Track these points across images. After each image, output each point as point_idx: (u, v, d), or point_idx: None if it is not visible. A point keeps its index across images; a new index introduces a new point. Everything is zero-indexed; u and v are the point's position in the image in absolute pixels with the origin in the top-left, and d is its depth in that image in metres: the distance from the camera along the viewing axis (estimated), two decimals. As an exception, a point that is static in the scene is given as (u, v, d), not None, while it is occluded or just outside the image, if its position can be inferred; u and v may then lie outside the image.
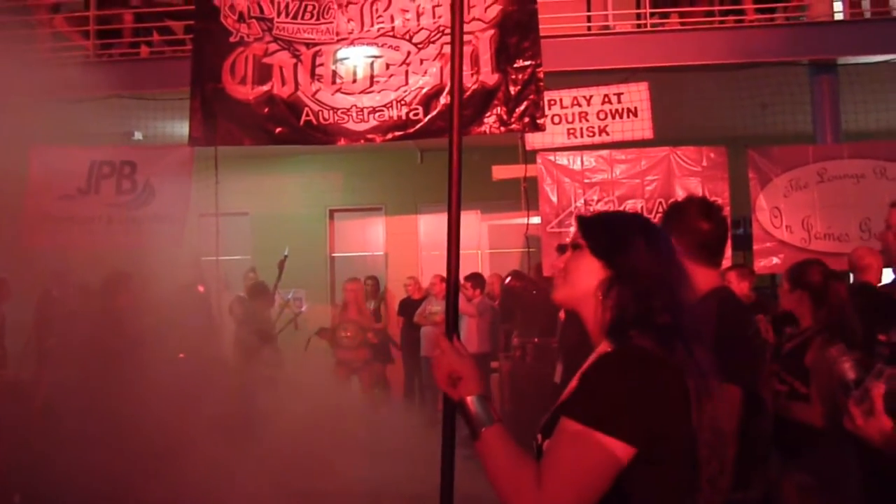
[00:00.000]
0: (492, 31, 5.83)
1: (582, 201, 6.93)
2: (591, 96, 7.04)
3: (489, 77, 5.86)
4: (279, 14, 6.19)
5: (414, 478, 6.07)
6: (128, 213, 6.82)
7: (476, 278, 8.00)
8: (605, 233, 1.63)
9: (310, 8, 6.16)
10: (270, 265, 8.34)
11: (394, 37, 6.13)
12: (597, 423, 1.42)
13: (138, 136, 9.42)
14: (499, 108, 5.88)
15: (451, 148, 1.85)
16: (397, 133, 6.12)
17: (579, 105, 7.05)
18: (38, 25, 8.46)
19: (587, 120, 7.03)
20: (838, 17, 7.94)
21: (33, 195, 6.85)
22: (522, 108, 5.96)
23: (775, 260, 7.01)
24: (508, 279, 6.44)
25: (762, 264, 7.08)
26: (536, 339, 5.59)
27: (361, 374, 7.85)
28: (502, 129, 5.95)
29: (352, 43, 6.15)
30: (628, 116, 6.98)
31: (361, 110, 6.08)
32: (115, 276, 5.68)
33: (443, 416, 1.73)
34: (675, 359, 1.48)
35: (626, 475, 1.43)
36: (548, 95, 6.43)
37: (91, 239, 6.74)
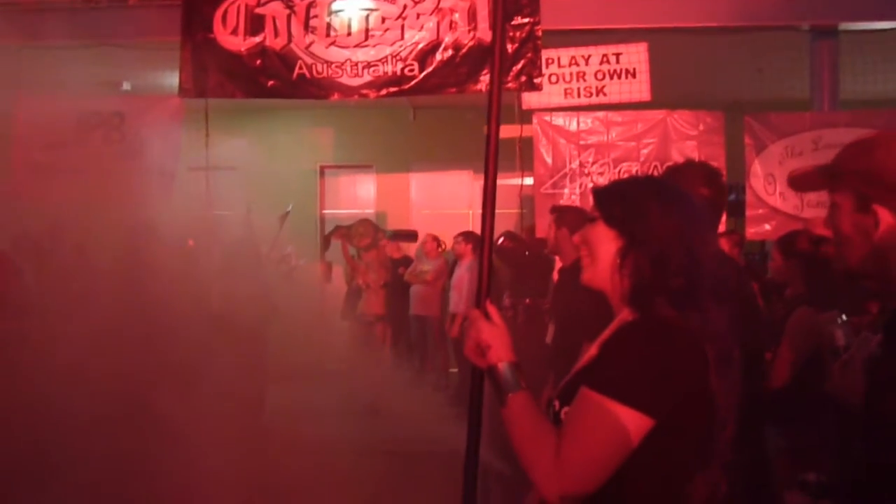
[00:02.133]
0: (490, -14, 5.71)
1: (577, 163, 6.87)
2: (589, 56, 6.92)
3: (486, 34, 5.76)
4: (272, -37, 6.04)
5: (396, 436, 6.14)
6: (116, 165, 6.71)
7: (468, 236, 7.98)
8: (615, 201, 1.62)
9: (304, -43, 6.01)
10: (259, 220, 8.25)
11: (390, -11, 6.00)
12: (618, 395, 1.42)
13: (127, 86, 9.25)
14: (495, 66, 5.78)
15: (490, 110, 1.74)
16: (392, 89, 6.03)
17: (577, 65, 6.94)
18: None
19: (585, 80, 6.93)
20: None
21: (19, 145, 6.73)
22: (519, 66, 5.88)
23: (767, 227, 7.02)
24: (501, 240, 6.41)
25: (754, 231, 7.08)
26: (528, 300, 5.59)
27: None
28: (498, 87, 5.86)
29: (347, -6, 6.02)
30: (626, 77, 6.88)
31: (356, 65, 5.98)
32: (140, 226, 5.50)
33: (470, 386, 1.70)
34: (692, 325, 1.47)
35: (644, 444, 1.43)
36: (545, 54, 6.34)
37: (78, 190, 6.64)
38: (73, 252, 5.73)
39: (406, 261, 9.14)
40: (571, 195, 6.81)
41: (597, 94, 6.95)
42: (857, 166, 1.47)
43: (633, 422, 1.41)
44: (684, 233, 1.54)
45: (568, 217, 4.27)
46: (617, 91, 6.92)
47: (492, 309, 1.65)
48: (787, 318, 3.68)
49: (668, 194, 1.61)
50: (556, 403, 1.58)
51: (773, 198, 6.95)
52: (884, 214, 1.42)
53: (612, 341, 1.52)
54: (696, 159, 6.72)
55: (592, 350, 1.57)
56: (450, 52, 5.93)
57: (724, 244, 5.92)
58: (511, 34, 5.87)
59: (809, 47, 7.58)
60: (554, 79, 6.91)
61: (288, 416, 6.41)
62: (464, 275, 7.83)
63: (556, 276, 5.16)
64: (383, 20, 5.97)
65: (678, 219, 1.55)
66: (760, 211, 7.03)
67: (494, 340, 1.59)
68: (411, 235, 9.17)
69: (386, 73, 5.97)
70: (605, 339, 1.56)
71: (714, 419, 1.49)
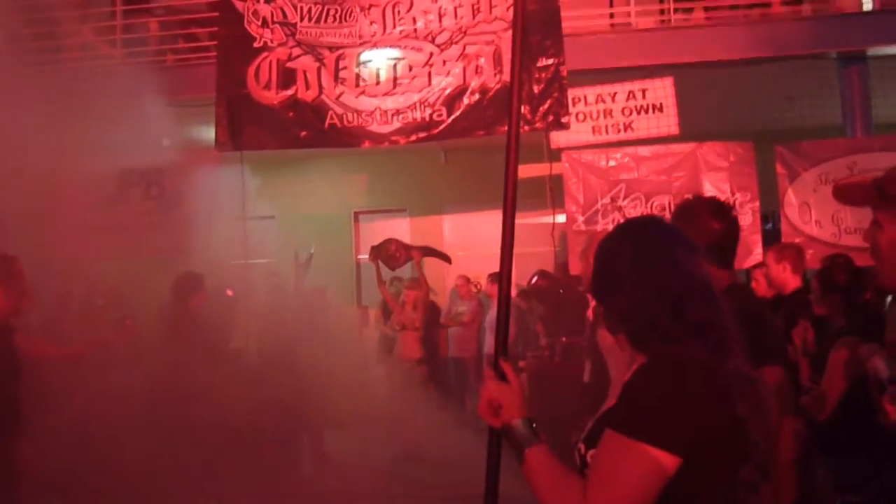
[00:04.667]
0: (514, 31, 5.82)
1: (608, 199, 6.88)
2: (615, 93, 6.98)
3: (512, 76, 5.85)
4: (302, 19, 6.25)
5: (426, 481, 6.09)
6: (156, 219, 6.91)
7: (496, 277, 7.96)
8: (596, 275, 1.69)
9: (332, 12, 6.20)
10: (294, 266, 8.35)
11: (416, 38, 6.15)
12: (641, 435, 1.40)
13: (165, 142, 9.51)
14: (522, 108, 5.86)
15: (508, 159, 1.85)
16: (421, 134, 6.14)
17: (604, 102, 6.99)
18: (65, 36, 8.59)
19: (612, 116, 6.97)
20: (867, 7, 7.79)
21: (64, 206, 6.95)
22: (546, 106, 5.95)
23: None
24: (535, 279, 6.40)
25: (792, 260, 6.97)
26: (564, 339, 5.56)
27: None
28: (526, 128, 5.94)
29: (374, 45, 6.19)
30: (653, 112, 6.91)
31: (385, 112, 6.11)
32: (186, 276, 5.69)
33: (488, 443, 1.71)
34: (698, 355, 1.47)
35: (673, 482, 1.41)
36: (572, 93, 6.40)
37: (122, 246, 6.82)
38: (117, 306, 5.89)
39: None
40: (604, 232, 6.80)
41: (625, 130, 6.98)
42: None
43: (660, 461, 1.39)
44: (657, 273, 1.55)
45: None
46: (645, 126, 6.95)
47: (506, 366, 1.66)
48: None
49: (646, 258, 1.59)
50: (582, 447, 1.57)
51: (810, 226, 6.85)
52: None
53: (630, 382, 1.52)
54: (729, 190, 6.70)
55: (617, 392, 1.57)
56: (476, 96, 6.04)
57: (761, 276, 5.86)
58: (537, 75, 5.95)
59: (838, 73, 7.54)
60: (581, 117, 6.96)
61: (330, 465, 6.42)
62: (498, 314, 7.82)
63: (591, 313, 5.13)
64: (410, 68, 6.11)
65: (655, 282, 1.55)
66: (797, 240, 6.91)
67: (506, 399, 1.60)
68: (445, 256, 9.07)
69: (415, 119, 6.09)
70: (626, 380, 1.56)
71: (746, 446, 1.46)
